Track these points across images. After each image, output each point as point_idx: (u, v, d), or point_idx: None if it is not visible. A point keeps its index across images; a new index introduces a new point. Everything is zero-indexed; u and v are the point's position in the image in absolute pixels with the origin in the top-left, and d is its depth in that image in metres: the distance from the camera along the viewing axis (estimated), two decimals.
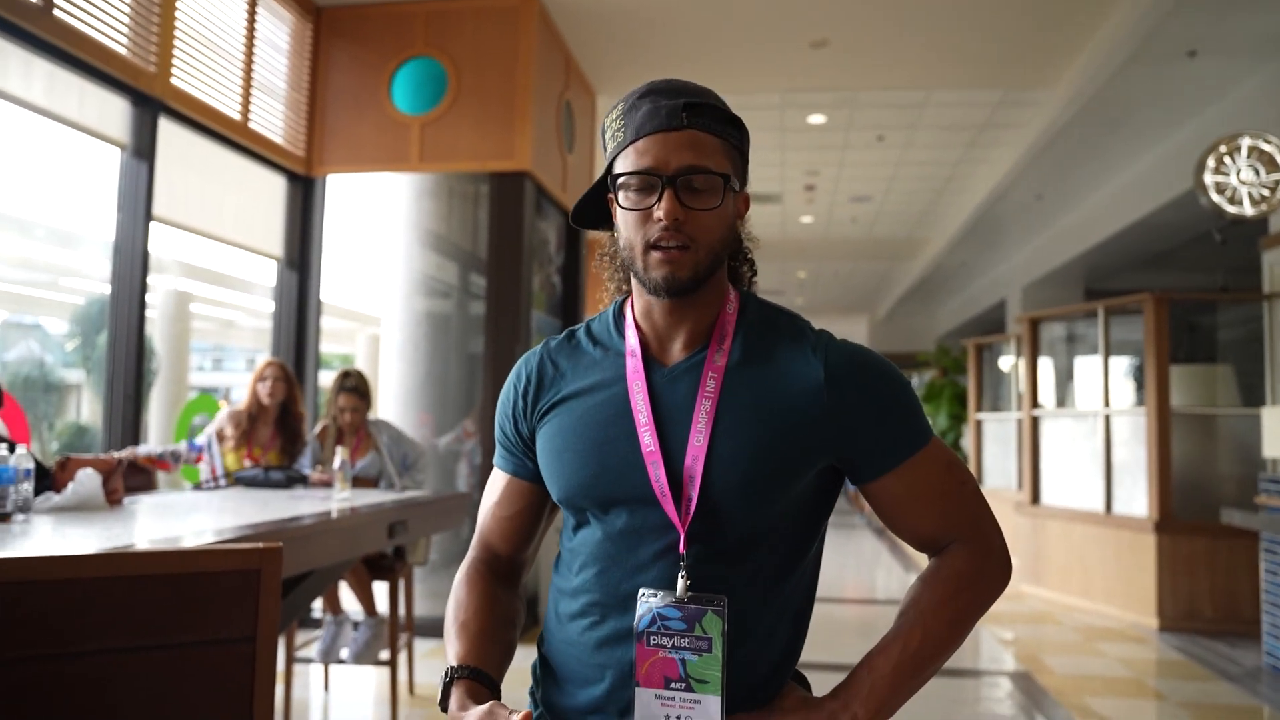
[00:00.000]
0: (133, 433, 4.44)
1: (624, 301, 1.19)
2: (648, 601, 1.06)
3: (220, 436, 4.21)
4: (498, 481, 1.22)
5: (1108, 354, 6.67)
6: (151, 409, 7.70)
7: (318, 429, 4.43)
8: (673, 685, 1.05)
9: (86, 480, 2.56)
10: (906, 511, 1.11)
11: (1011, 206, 9.21)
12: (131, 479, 3.18)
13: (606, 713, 1.08)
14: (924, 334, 16.57)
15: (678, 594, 1.05)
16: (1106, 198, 8.60)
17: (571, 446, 1.10)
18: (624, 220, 1.09)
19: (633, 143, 1.06)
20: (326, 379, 5.76)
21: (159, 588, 1.49)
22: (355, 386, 4.37)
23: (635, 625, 1.06)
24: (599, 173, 1.19)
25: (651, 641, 1.05)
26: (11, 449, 2.41)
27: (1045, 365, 7.81)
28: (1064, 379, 7.80)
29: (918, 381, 13.59)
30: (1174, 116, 6.71)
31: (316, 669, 4.61)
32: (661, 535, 1.06)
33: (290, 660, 3.92)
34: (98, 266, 4.50)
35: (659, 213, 1.04)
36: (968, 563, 1.11)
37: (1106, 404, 6.65)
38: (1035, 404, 7.52)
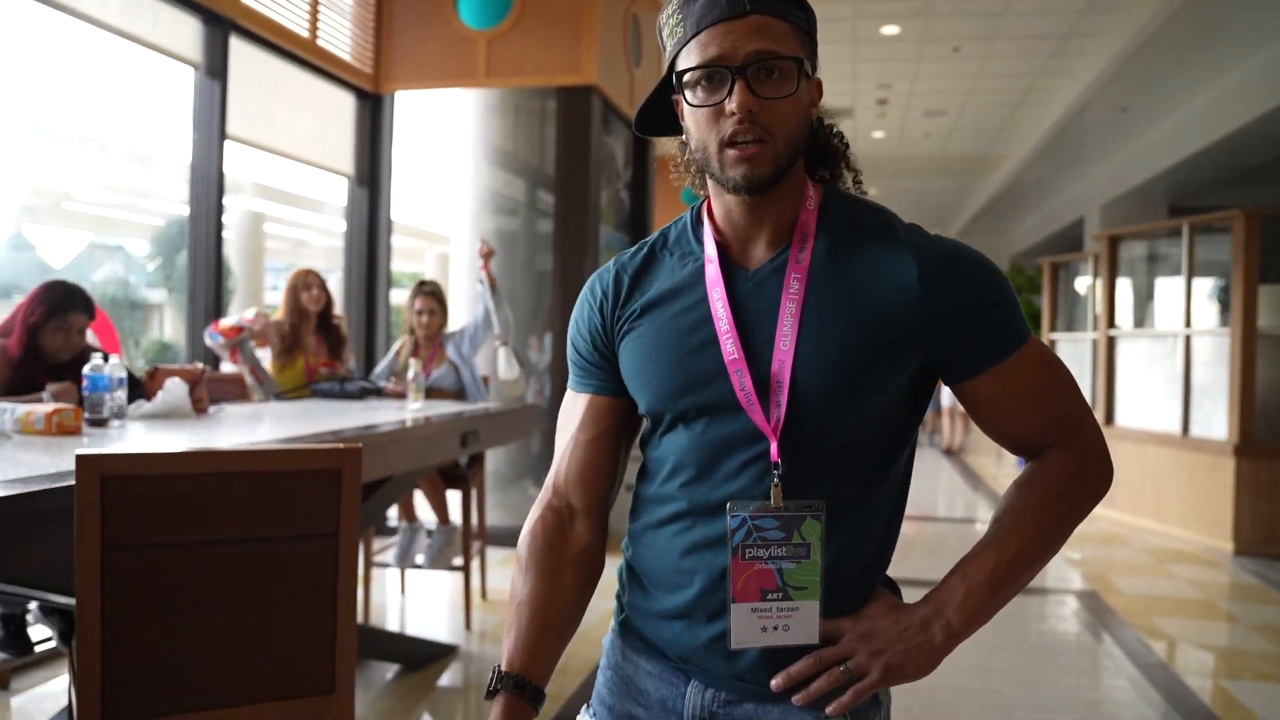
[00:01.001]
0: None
1: (702, 205, 1.13)
2: (740, 514, 1.02)
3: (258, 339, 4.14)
4: (576, 405, 1.13)
5: (1191, 273, 6.45)
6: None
7: (396, 345, 4.50)
8: (769, 596, 1.02)
9: (174, 389, 2.67)
10: (1003, 412, 1.06)
11: (1093, 120, 8.86)
12: (221, 388, 3.30)
13: (694, 618, 1.07)
14: (998, 253, 16.18)
15: (773, 503, 1.01)
16: (1197, 110, 8.23)
17: (655, 358, 1.06)
18: (694, 120, 1.03)
19: (694, 36, 1.01)
20: (398, 298, 5.87)
21: (249, 485, 1.57)
22: (432, 291, 4.44)
23: (729, 540, 1.02)
24: None
25: (747, 555, 1.02)
26: (106, 359, 2.52)
27: (1124, 285, 7.59)
28: (1143, 299, 7.59)
29: None
30: (1277, 19, 6.35)
31: (393, 574, 4.80)
32: (750, 444, 1.03)
33: (368, 564, 4.09)
34: (175, 188, 4.60)
35: (731, 106, 0.99)
36: (1066, 467, 1.06)
37: (1188, 324, 6.47)
38: (1111, 324, 7.34)
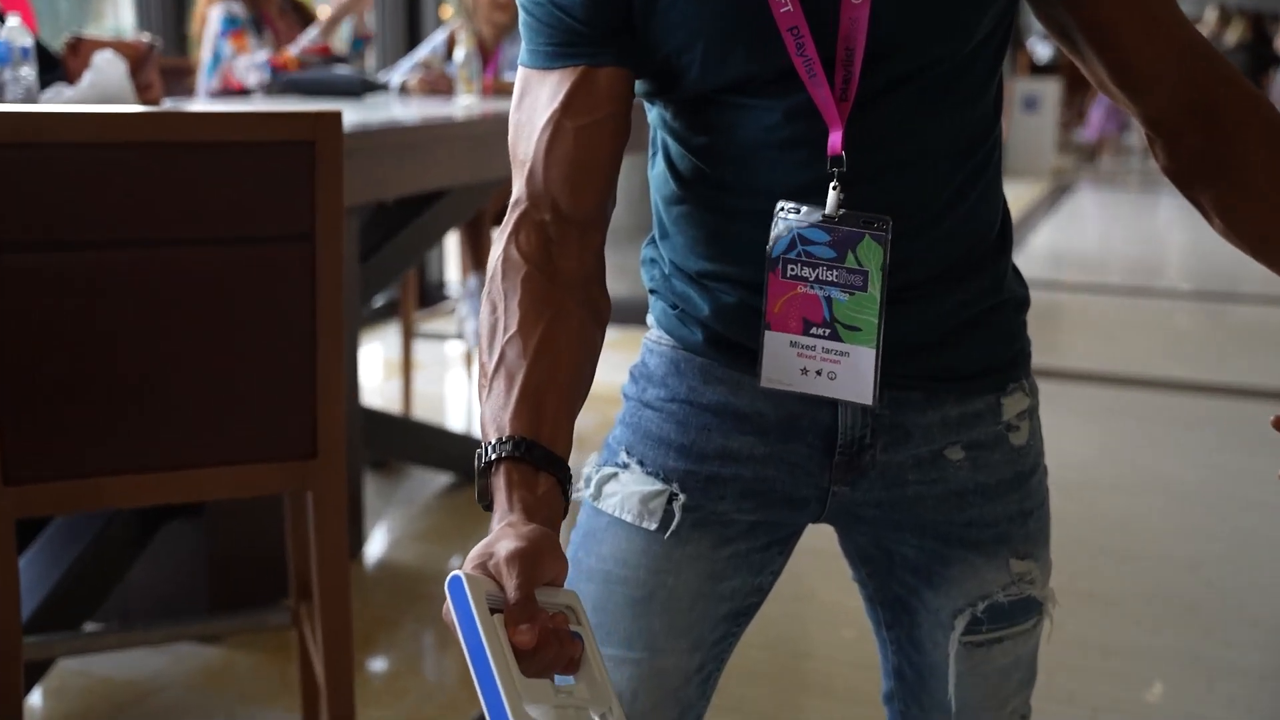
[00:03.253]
0: (175, 34, 4.82)
1: None
2: (786, 219, 1.13)
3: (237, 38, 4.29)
4: (553, 84, 1.15)
5: None
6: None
7: (442, 34, 4.58)
8: (814, 331, 1.14)
9: (107, 68, 2.79)
10: (1133, 37, 1.16)
11: None
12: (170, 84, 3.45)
13: (750, 285, 1.18)
14: None
15: (827, 210, 1.12)
16: None
17: (684, 23, 1.11)
18: None
19: None
20: None
21: (185, 164, 1.70)
22: None
23: (768, 250, 1.14)
24: None
25: (789, 272, 1.14)
26: (1, 20, 2.66)
27: None
28: None
29: None
30: None
31: (453, 355, 5.12)
32: (809, 128, 1.12)
33: (408, 335, 4.36)
34: None
35: None
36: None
37: None
38: None
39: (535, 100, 1.16)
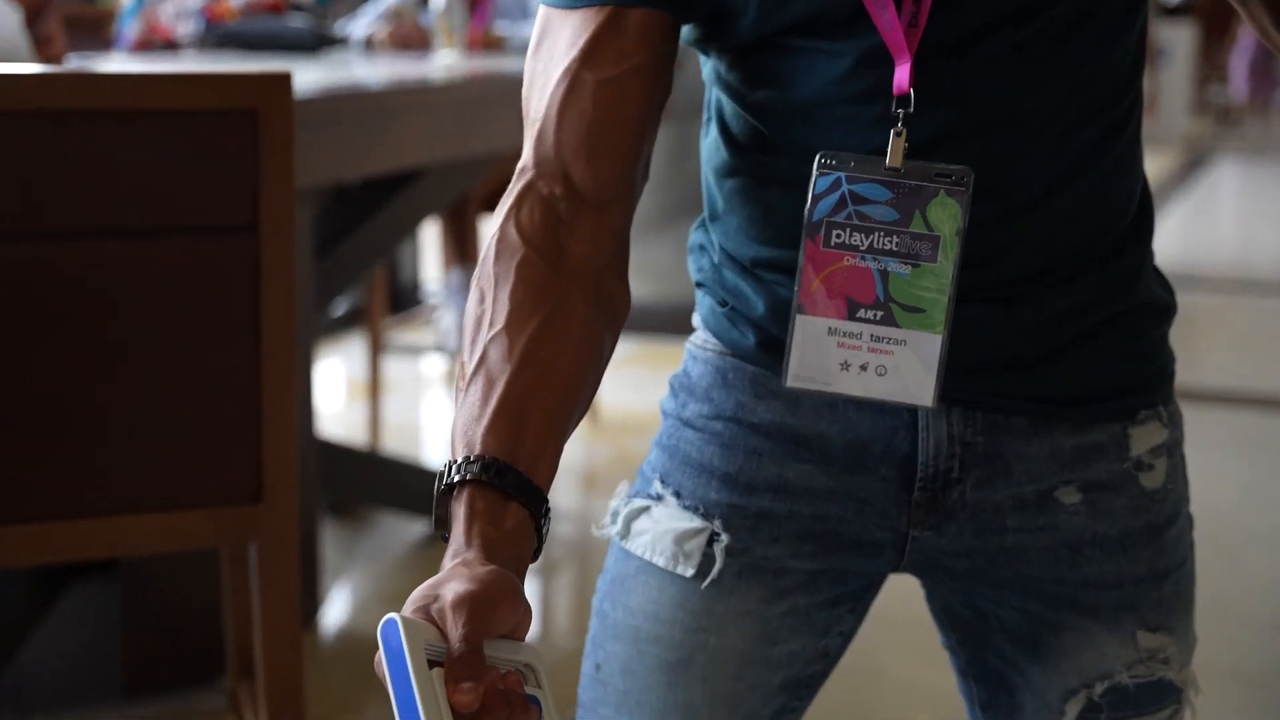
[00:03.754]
0: None
1: None
2: (833, 172, 1.12)
3: None
4: (575, 28, 1.15)
5: None
6: None
7: None
8: (861, 314, 1.13)
9: None
10: None
11: None
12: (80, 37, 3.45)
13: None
14: None
15: (889, 161, 1.11)
16: None
17: None
18: None
19: None
20: None
21: (97, 139, 1.69)
22: None
23: (808, 212, 1.13)
24: None
25: (834, 239, 1.12)
26: None
27: None
28: None
29: None
30: None
31: (432, 373, 5.16)
32: (887, 77, 1.11)
33: (376, 347, 4.35)
34: None
35: None
36: None
37: None
38: None
39: (554, 46, 1.16)
